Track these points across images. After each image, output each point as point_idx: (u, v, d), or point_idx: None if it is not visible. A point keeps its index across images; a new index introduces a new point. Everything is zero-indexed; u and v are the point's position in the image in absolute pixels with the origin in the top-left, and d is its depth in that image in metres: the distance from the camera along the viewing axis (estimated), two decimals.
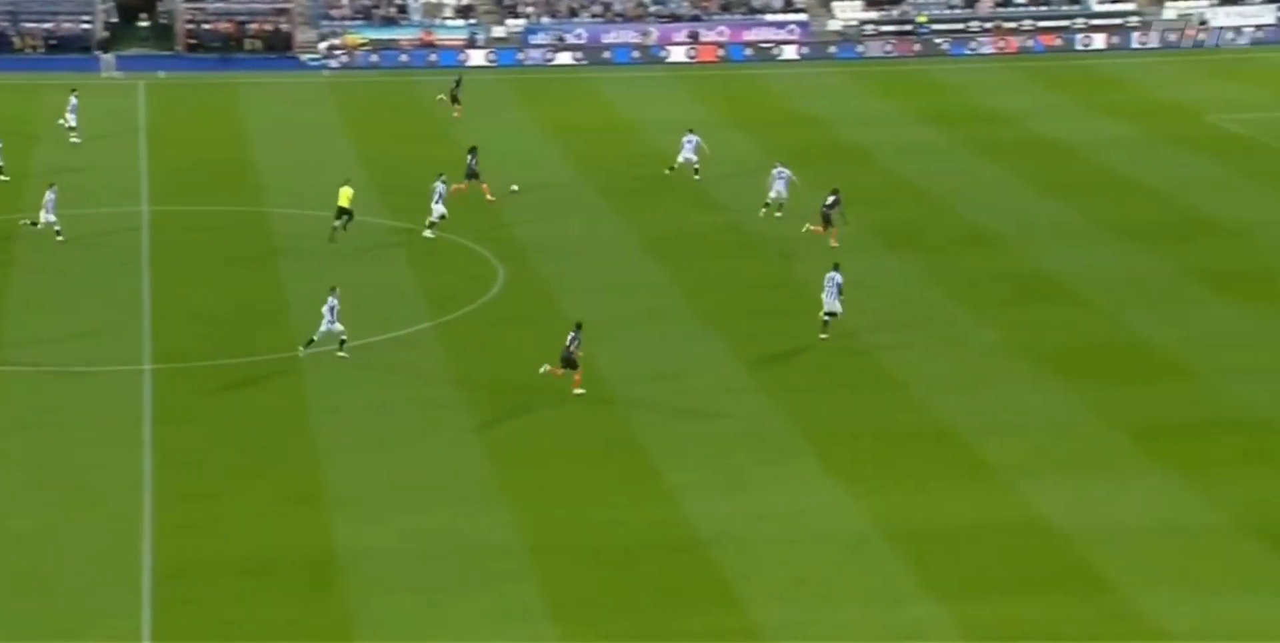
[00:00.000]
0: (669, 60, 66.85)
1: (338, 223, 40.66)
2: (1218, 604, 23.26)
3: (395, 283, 38.27)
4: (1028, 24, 68.44)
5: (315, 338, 32.65)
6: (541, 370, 31.23)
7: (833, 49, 67.56)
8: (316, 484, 27.68)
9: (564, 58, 66.55)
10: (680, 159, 46.77)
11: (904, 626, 23.15)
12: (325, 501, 27.08)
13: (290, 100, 58.98)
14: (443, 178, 41.73)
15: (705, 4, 69.93)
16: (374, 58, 65.36)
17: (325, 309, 32.49)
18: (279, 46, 66.37)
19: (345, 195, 40.93)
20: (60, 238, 40.02)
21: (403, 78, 63.37)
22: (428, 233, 40.78)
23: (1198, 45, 66.50)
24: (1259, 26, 67.31)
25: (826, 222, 39.56)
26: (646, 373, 32.63)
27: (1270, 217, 42.28)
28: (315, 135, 53.45)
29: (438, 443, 29.45)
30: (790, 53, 67.21)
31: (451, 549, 25.44)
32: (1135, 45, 66.93)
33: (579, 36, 67.79)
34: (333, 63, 64.91)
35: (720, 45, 67.61)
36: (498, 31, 68.04)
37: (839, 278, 33.93)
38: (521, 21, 68.58)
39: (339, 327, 32.54)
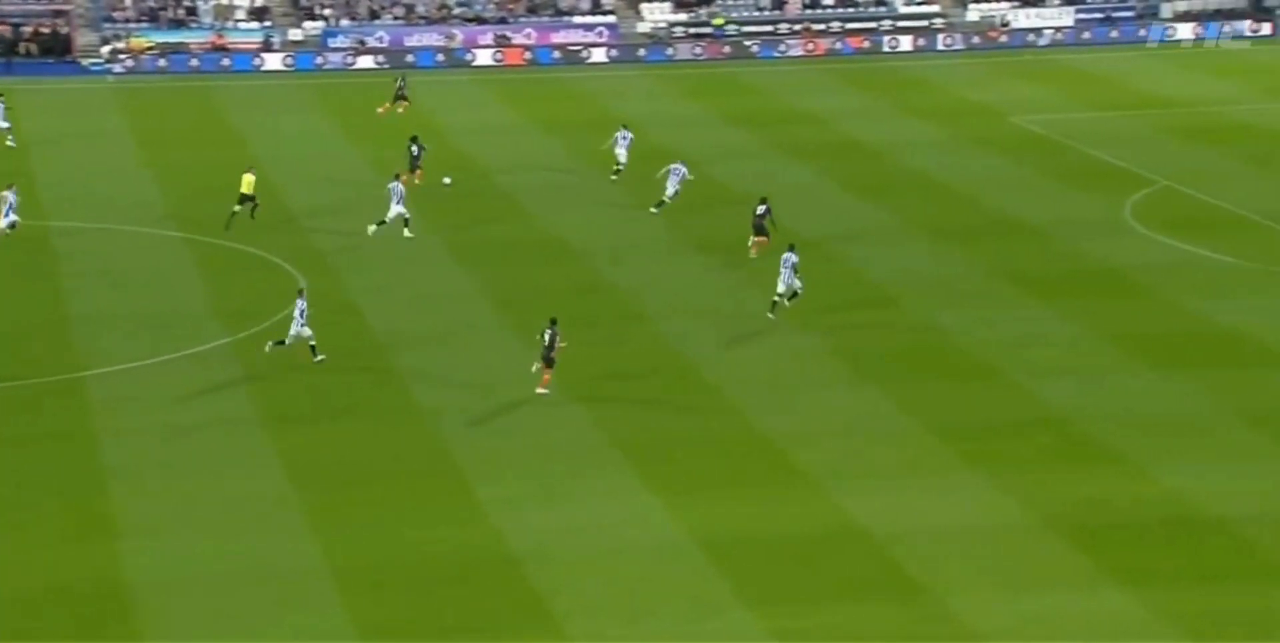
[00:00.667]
0: (475, 63, 66.72)
1: (238, 208, 41.56)
2: (1027, 603, 24.05)
3: (189, 297, 37.40)
4: (835, 26, 70.12)
5: (286, 340, 32.56)
6: (535, 369, 31.23)
7: (642, 52, 68.24)
8: (104, 512, 26.85)
9: (365, 62, 65.88)
10: (620, 158, 46.87)
11: (719, 636, 23.43)
12: (115, 529, 26.29)
13: (71, 107, 57.19)
14: (399, 177, 41.84)
15: (511, 6, 69.98)
16: (161, 62, 63.79)
17: (296, 312, 32.31)
18: (57, 50, 64.28)
19: (247, 182, 41.77)
20: (8, 232, 39.89)
21: (194, 83, 62.00)
22: (406, 233, 41.01)
23: (1001, 47, 68.91)
24: (1058, 28, 70.08)
25: (760, 231, 39.71)
26: (456, 385, 32.46)
27: (1071, 216, 43.95)
28: (98, 144, 51.94)
29: (236, 465, 28.85)
30: (599, 55, 67.66)
31: (254, 576, 24.94)
32: (941, 47, 69.06)
33: (380, 40, 67.19)
34: (117, 67, 63.15)
35: (527, 48, 67.74)
36: (294, 35, 67.04)
37: (794, 258, 35.27)
38: (319, 24, 67.69)
39: (307, 331, 32.41)
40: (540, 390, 31.25)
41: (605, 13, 70.12)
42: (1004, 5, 71.07)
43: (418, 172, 45.25)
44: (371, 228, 41.30)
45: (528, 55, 67.43)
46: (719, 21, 68.64)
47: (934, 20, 70.60)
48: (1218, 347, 33.95)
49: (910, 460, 28.86)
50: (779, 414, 30.93)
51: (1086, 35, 69.75)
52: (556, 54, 67.55)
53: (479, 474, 28.42)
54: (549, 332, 31.23)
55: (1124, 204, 44.62)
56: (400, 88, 54.61)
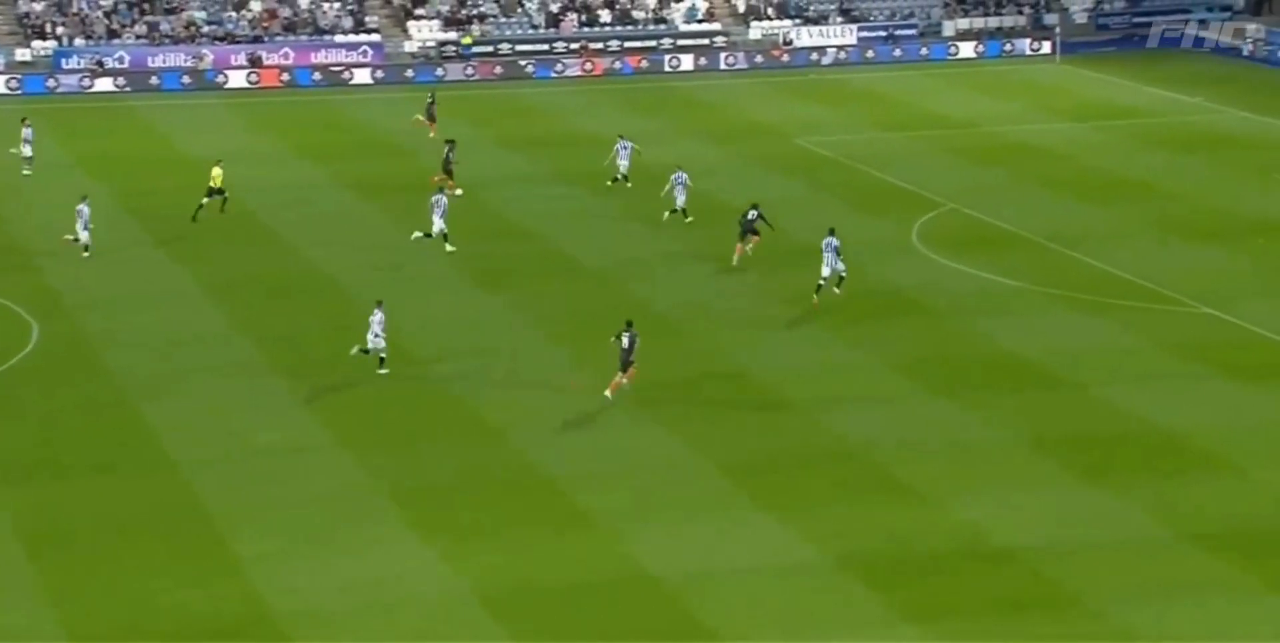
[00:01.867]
0: (227, 86, 65.63)
1: (205, 201, 44.44)
2: None
3: None
4: (614, 45, 71.01)
5: (368, 350, 33.92)
6: (619, 378, 32.67)
7: (410, 72, 68.03)
8: None
9: (104, 84, 64.22)
10: (621, 169, 48.84)
11: None
12: None
13: None
14: (443, 191, 43.67)
15: (266, 24, 69.04)
16: None
17: (374, 322, 33.69)
18: None
19: (215, 176, 44.66)
20: (86, 254, 41.72)
21: None
22: (449, 247, 42.48)
23: (784, 66, 70.65)
24: (841, 47, 72.23)
25: (752, 233, 41.63)
26: (210, 431, 31.72)
27: (858, 240, 44.96)
28: None
29: None
30: (363, 76, 67.21)
31: None
32: (723, 66, 70.47)
33: (120, 60, 65.56)
34: None
35: (285, 69, 66.90)
36: (21, 55, 64.97)
37: (836, 242, 38.48)
38: (50, 44, 65.70)
39: (381, 343, 33.75)
40: (607, 393, 32.50)
41: (369, 31, 69.72)
42: (786, 23, 72.92)
43: (449, 179, 47.06)
44: (416, 234, 42.15)
45: (285, 76, 66.59)
46: (467, 40, 68.94)
47: (715, 39, 72.01)
48: (1004, 371, 35.20)
49: (699, 500, 29.14)
50: (562, 455, 30.95)
51: (870, 54, 72.03)
52: (316, 75, 66.87)
53: (235, 528, 27.72)
54: (626, 335, 32.47)
55: (911, 227, 46.04)
56: (430, 106, 55.37)
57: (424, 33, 70.45)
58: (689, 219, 45.45)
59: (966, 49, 72.79)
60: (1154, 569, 26.57)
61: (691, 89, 66.46)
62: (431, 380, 34.67)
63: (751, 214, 42.16)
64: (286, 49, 67.70)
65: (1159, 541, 27.48)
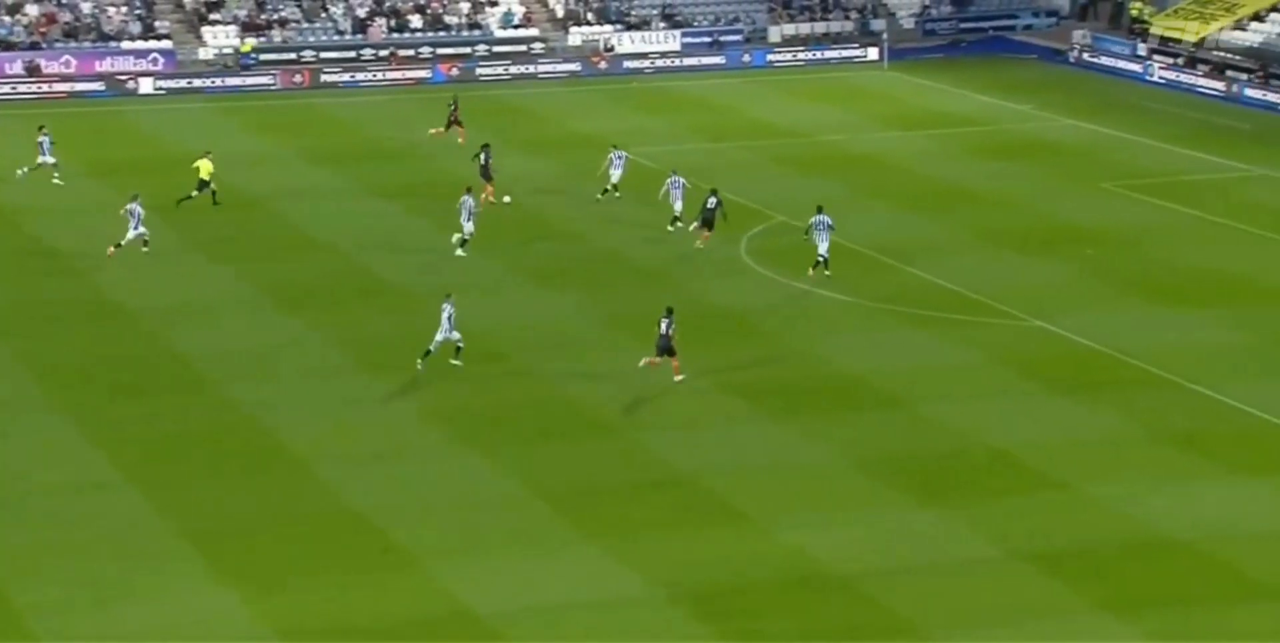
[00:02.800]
0: (1, 97, 64.10)
1: (196, 193, 46.52)
2: None
3: None
4: (425, 52, 70.81)
5: (432, 348, 35.17)
6: (641, 364, 34.59)
7: (204, 81, 67.09)
8: None
9: None
10: (614, 181, 48.90)
11: None
12: None
13: None
14: (470, 190, 44.47)
15: (44, 30, 67.58)
16: None
17: (444, 318, 35.09)
18: None
19: (205, 168, 46.49)
20: (146, 249, 43.09)
21: None
22: (459, 252, 43.52)
23: (605, 73, 71.11)
24: (664, 54, 72.94)
25: (708, 225, 43.86)
26: None
27: (685, 255, 45.56)
28: None
29: None
30: (152, 85, 66.12)
31: None
32: (541, 74, 70.70)
33: None
34: None
35: (66, 78, 65.56)
36: None
37: (829, 219, 41.63)
38: None
39: (456, 335, 35.32)
40: (678, 378, 34.88)
41: (160, 37, 68.59)
42: (607, 29, 73.41)
43: (488, 187, 47.23)
44: (458, 251, 43.42)
45: (66, 86, 65.20)
46: (246, 48, 68.22)
47: (533, 45, 72.22)
48: (834, 390, 35.74)
49: (520, 531, 29.12)
50: (372, 486, 30.68)
51: (694, 61, 72.85)
52: (100, 84, 65.58)
53: (14, 577, 26.95)
54: (665, 321, 34.48)
55: (740, 241, 46.62)
56: (453, 111, 54.90)
57: (219, 39, 69.50)
58: (679, 224, 46.17)
59: (793, 55, 74.04)
60: (987, 592, 27.21)
61: (508, 98, 66.52)
62: (228, 408, 34.12)
63: (711, 201, 43.41)
64: (67, 57, 66.31)
65: (992, 562, 28.15)
